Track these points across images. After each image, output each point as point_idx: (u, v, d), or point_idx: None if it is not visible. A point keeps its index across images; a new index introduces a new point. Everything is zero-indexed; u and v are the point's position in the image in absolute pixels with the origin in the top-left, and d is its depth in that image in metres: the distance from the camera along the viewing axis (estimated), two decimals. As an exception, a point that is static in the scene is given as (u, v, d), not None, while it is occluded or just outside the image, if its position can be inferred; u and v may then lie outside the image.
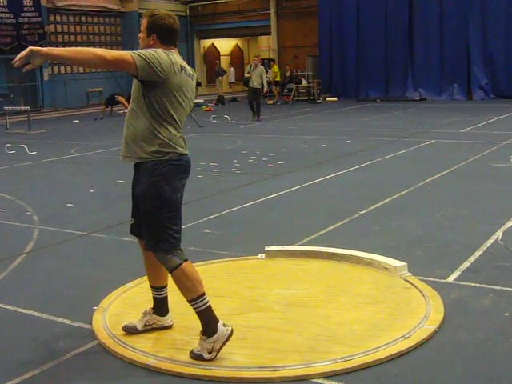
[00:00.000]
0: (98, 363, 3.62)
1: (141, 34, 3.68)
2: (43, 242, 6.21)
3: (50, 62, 25.37)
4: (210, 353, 3.54)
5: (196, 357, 3.55)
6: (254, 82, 18.26)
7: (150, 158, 3.55)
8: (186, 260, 3.60)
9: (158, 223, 3.55)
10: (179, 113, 3.61)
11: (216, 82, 28.34)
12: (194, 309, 3.60)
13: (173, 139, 3.58)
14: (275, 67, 27.65)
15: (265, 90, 18.76)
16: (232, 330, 3.61)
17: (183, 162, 3.64)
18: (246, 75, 19.53)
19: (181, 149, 3.63)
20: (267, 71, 26.73)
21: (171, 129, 3.58)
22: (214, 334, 3.56)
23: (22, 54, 3.23)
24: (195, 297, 3.57)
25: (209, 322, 3.58)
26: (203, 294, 3.59)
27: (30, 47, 3.26)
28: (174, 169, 3.58)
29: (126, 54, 3.40)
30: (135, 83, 3.61)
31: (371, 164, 10.24)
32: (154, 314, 3.97)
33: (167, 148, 3.56)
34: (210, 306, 3.60)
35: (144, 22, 3.65)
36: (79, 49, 3.40)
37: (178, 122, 3.62)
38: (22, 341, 3.96)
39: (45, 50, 3.28)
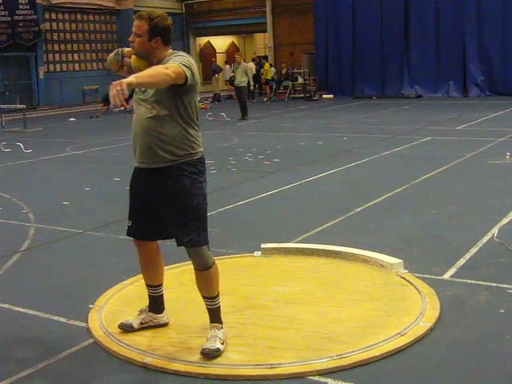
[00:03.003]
0: (94, 361, 3.62)
1: (137, 38, 3.51)
2: (39, 241, 6.20)
3: (45, 59, 25.38)
4: (222, 343, 3.59)
5: (214, 352, 3.53)
6: (238, 81, 18.05)
7: (181, 159, 3.55)
8: None
9: (201, 218, 3.62)
10: (198, 111, 3.69)
11: (212, 79, 28.33)
12: (212, 305, 3.70)
13: (199, 138, 3.66)
14: (266, 65, 27.58)
15: (251, 87, 18.12)
16: None
17: (204, 159, 3.75)
18: (231, 74, 19.28)
19: (202, 147, 3.71)
20: (260, 69, 26.71)
21: (197, 128, 3.65)
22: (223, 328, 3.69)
23: (120, 92, 3.04)
24: (218, 293, 3.71)
25: (220, 316, 3.72)
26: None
27: (119, 82, 3.05)
28: (204, 165, 3.70)
29: (179, 67, 3.36)
30: (157, 90, 3.45)
31: (367, 161, 10.24)
32: (149, 311, 3.97)
33: (197, 148, 3.63)
34: None
35: (143, 25, 3.49)
36: (153, 72, 3.28)
37: (198, 121, 3.70)
38: (18, 339, 3.96)
39: (133, 80, 3.16)
